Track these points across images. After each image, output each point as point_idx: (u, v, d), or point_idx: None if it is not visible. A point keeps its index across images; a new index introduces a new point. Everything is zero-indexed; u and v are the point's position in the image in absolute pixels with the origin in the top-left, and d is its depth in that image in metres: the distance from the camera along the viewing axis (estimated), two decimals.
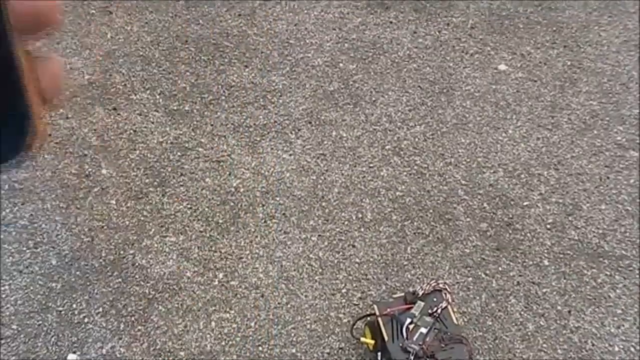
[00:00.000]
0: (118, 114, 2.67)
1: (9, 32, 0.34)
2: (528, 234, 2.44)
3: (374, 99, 2.79)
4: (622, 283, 2.34)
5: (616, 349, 2.21)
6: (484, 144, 2.67)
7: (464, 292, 2.30)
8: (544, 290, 2.32)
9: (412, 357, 1.93)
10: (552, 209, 2.51)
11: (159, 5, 3.09)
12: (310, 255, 2.36)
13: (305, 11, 3.11)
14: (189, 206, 2.45)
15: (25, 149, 0.36)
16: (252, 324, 2.22)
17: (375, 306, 2.05)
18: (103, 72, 2.81)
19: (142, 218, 2.42)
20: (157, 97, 2.74)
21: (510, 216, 2.48)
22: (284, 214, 2.45)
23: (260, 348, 2.17)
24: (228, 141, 2.62)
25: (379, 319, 2.01)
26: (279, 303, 2.26)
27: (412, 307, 2.03)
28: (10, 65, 0.34)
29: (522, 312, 2.27)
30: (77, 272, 2.29)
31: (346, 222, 2.44)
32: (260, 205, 2.46)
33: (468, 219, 2.47)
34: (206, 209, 2.45)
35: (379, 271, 2.33)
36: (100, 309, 2.22)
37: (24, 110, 0.35)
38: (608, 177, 2.60)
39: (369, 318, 2.10)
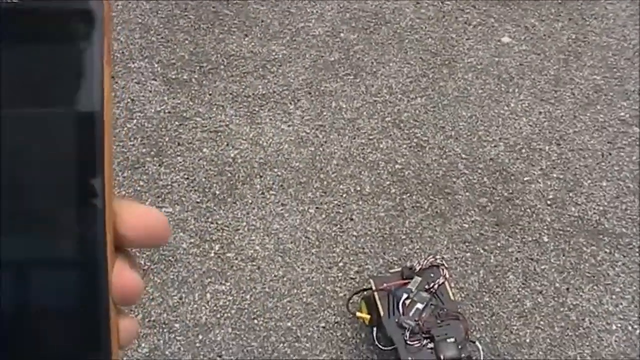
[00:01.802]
0: (116, 82, 2.64)
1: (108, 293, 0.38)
2: (528, 210, 2.42)
3: (374, 69, 2.75)
4: (622, 261, 2.33)
5: (614, 327, 2.20)
6: (485, 118, 2.64)
7: (461, 267, 2.29)
8: (543, 267, 2.30)
9: (407, 333, 1.92)
10: (553, 185, 2.48)
11: None
12: (308, 228, 2.34)
13: None
14: (185, 176, 2.43)
15: None
16: (248, 297, 2.20)
17: (371, 281, 2.04)
18: None
19: (138, 188, 2.40)
20: (155, 65, 2.70)
21: (511, 191, 2.46)
22: (281, 185, 2.43)
23: (255, 321, 2.16)
24: (226, 111, 2.59)
25: (375, 293, 2.00)
26: (275, 276, 2.24)
27: (408, 283, 2.01)
28: (104, 319, 0.38)
29: (520, 289, 2.26)
30: None
31: (344, 195, 2.42)
32: (258, 176, 2.44)
33: (467, 194, 2.44)
34: (203, 180, 2.42)
35: (377, 245, 2.31)
36: None
37: (107, 350, 0.38)
38: (610, 154, 2.57)
39: (365, 292, 2.09)
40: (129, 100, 2.60)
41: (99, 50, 0.35)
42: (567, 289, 2.26)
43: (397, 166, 2.49)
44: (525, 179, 2.49)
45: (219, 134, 2.53)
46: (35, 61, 0.35)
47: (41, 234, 0.36)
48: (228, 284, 2.22)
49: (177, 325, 2.14)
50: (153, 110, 2.58)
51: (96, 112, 0.36)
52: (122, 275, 0.38)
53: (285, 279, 2.24)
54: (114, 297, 0.38)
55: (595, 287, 2.27)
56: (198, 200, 2.38)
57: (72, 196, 0.36)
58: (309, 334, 2.15)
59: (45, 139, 0.35)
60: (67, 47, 0.35)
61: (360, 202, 2.40)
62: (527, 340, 2.16)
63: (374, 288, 2.01)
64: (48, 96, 0.35)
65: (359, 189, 2.43)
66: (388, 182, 2.45)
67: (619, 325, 2.20)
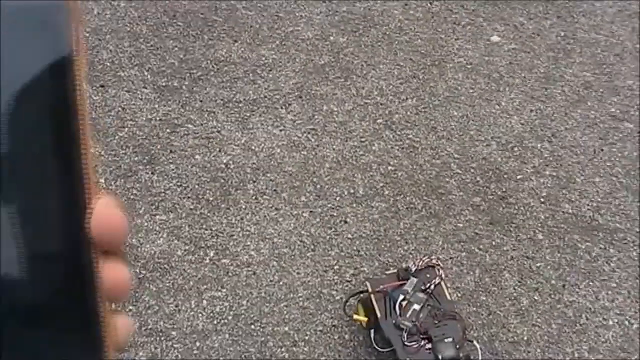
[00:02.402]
0: (106, 91, 2.63)
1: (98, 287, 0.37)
2: (522, 208, 2.42)
3: (365, 72, 2.75)
4: (617, 256, 2.33)
5: (610, 322, 2.20)
6: (476, 117, 2.65)
7: (457, 267, 2.29)
8: (538, 264, 2.30)
9: (405, 334, 1.92)
10: (546, 182, 2.49)
11: None
12: (302, 232, 2.34)
13: None
14: (178, 184, 2.42)
15: None
16: (244, 302, 2.20)
17: (367, 283, 2.04)
18: (90, 48, 2.77)
19: (131, 197, 2.39)
20: (146, 73, 2.70)
21: (504, 190, 2.46)
22: (274, 190, 2.42)
23: (252, 326, 2.16)
24: (217, 117, 2.59)
25: (372, 295, 2.00)
26: (270, 281, 2.24)
27: (405, 284, 2.01)
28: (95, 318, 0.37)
29: (516, 287, 2.26)
30: None
31: (338, 198, 2.42)
32: (251, 181, 2.44)
33: (461, 193, 2.44)
34: (196, 186, 2.42)
35: (372, 247, 2.31)
36: None
37: (101, 348, 0.37)
38: (602, 150, 2.58)
39: (361, 295, 2.09)
40: (119, 109, 2.60)
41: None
42: (563, 285, 2.27)
43: (389, 168, 2.49)
44: (518, 177, 2.50)
45: (211, 140, 2.53)
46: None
47: (24, 227, 0.35)
48: (224, 290, 2.22)
49: (174, 332, 2.14)
50: (144, 118, 2.58)
51: (69, 94, 0.36)
52: (111, 270, 0.37)
53: (281, 283, 2.24)
54: (105, 292, 0.37)
55: (591, 283, 2.28)
56: (192, 207, 2.38)
57: (53, 187, 0.36)
58: (306, 337, 2.14)
59: (22, 127, 0.35)
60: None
61: (354, 205, 2.40)
62: (525, 338, 2.16)
63: (370, 290, 2.01)
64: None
65: (352, 191, 2.43)
66: (381, 184, 2.45)
67: (616, 320, 2.21)
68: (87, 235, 0.36)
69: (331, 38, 2.85)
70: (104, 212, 0.37)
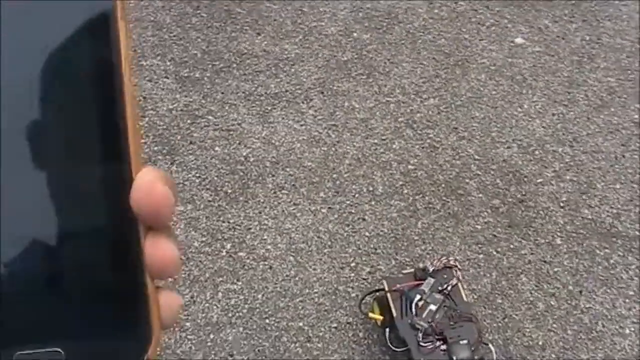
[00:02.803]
0: None
1: (141, 258, 0.36)
2: (541, 212, 2.41)
3: (387, 69, 2.74)
4: (635, 264, 2.31)
5: (627, 331, 2.19)
6: (498, 119, 2.63)
7: (474, 269, 2.28)
8: (556, 269, 2.29)
9: (420, 335, 1.91)
10: (566, 187, 2.47)
11: None
12: (320, 228, 2.33)
13: None
14: (197, 175, 2.42)
15: None
16: (260, 296, 2.20)
17: (384, 281, 2.03)
18: None
19: None
20: (168, 63, 2.70)
21: (523, 193, 2.45)
22: (293, 185, 2.42)
23: (267, 320, 2.15)
24: (238, 110, 2.59)
25: (388, 294, 1.99)
26: (286, 275, 2.24)
27: (421, 284, 2.00)
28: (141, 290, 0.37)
29: (533, 291, 2.24)
30: None
31: (357, 195, 2.41)
32: (270, 175, 2.43)
33: (480, 195, 2.43)
34: (215, 179, 2.42)
35: (389, 245, 2.31)
36: None
37: (147, 326, 0.37)
38: (624, 156, 2.56)
39: (377, 293, 2.08)
40: (141, 98, 2.60)
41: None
42: (580, 291, 2.25)
43: (409, 167, 2.48)
44: (538, 180, 2.48)
45: (231, 132, 2.53)
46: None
47: (66, 204, 0.35)
48: (240, 283, 2.22)
49: (188, 324, 2.14)
50: (165, 108, 2.58)
51: (117, 76, 0.36)
52: (156, 246, 0.36)
53: (297, 278, 2.23)
54: (149, 269, 0.36)
55: (608, 290, 2.26)
56: (210, 199, 2.38)
57: (96, 162, 0.35)
58: (320, 334, 2.14)
59: (67, 106, 0.35)
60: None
61: (373, 203, 2.39)
62: (540, 343, 2.15)
63: (386, 289, 2.00)
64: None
65: (371, 189, 2.42)
66: (401, 183, 2.44)
67: (633, 329, 2.19)
68: (130, 210, 0.35)
69: (354, 34, 2.84)
70: (146, 186, 0.36)
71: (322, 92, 2.65)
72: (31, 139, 0.34)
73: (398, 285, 2.00)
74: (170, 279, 0.38)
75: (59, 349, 0.35)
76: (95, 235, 0.36)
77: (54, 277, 0.35)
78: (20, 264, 0.34)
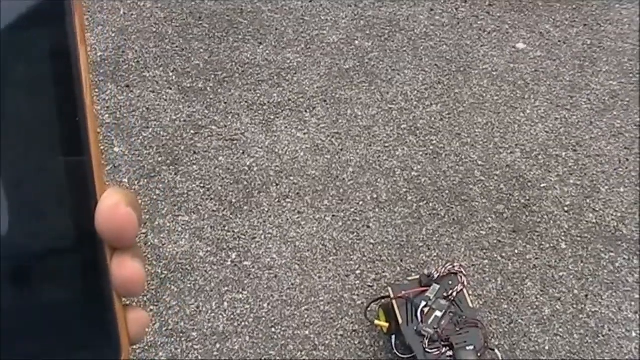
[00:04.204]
0: (131, 91, 2.65)
1: (107, 270, 0.37)
2: (545, 216, 2.41)
3: (389, 77, 2.75)
4: None
5: (633, 334, 2.18)
6: (501, 124, 2.64)
7: (479, 274, 2.27)
8: (561, 273, 2.29)
9: (426, 341, 1.91)
10: (570, 191, 2.47)
11: None
12: (324, 236, 2.33)
13: None
14: (202, 185, 2.43)
15: None
16: (265, 305, 2.20)
17: (389, 288, 2.03)
18: (116, 48, 2.78)
19: (154, 197, 2.40)
20: (170, 74, 2.71)
21: (527, 198, 2.45)
22: (297, 193, 2.42)
23: (273, 329, 2.15)
24: (242, 119, 2.60)
25: (394, 301, 1.99)
26: (292, 284, 2.24)
27: (427, 290, 2.00)
28: (108, 303, 0.37)
29: (539, 296, 2.24)
30: None
31: (361, 202, 2.41)
32: (274, 184, 2.44)
33: (484, 201, 2.43)
34: (219, 188, 2.42)
35: (394, 252, 2.31)
36: None
37: (115, 341, 0.38)
38: (627, 159, 2.56)
39: (383, 300, 2.08)
40: (144, 109, 2.60)
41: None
42: (586, 295, 2.25)
43: (413, 173, 2.48)
44: (542, 185, 2.48)
45: (235, 142, 2.53)
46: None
47: (32, 223, 0.35)
48: (245, 292, 2.22)
49: (194, 334, 2.14)
50: (168, 119, 2.59)
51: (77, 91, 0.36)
52: (122, 265, 0.37)
53: (302, 287, 2.23)
54: (116, 288, 0.37)
55: (614, 294, 2.26)
56: (214, 208, 2.38)
57: (60, 183, 0.36)
58: (327, 342, 2.14)
59: (27, 121, 0.35)
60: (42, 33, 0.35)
61: (377, 210, 2.39)
62: (546, 348, 2.15)
63: (392, 296, 2.00)
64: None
65: (375, 196, 2.42)
66: (404, 190, 2.44)
67: (639, 332, 2.19)
68: (94, 231, 0.36)
69: (356, 42, 2.85)
70: (109, 208, 0.36)
71: (325, 101, 2.66)
72: None
73: (403, 292, 2.00)
74: (135, 298, 0.38)
75: None
76: (62, 255, 0.36)
77: (20, 296, 0.35)
78: None
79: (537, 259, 2.32)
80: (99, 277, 0.36)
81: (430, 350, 1.91)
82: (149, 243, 2.30)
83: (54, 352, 0.36)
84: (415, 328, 1.94)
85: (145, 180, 2.43)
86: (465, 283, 2.03)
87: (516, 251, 2.33)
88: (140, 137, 2.53)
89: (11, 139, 0.34)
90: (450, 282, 2.03)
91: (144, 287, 0.39)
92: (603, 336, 2.18)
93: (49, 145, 0.35)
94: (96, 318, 0.37)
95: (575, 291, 2.26)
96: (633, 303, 2.24)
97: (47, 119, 0.35)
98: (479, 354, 1.90)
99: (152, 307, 2.18)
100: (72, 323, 0.37)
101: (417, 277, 2.06)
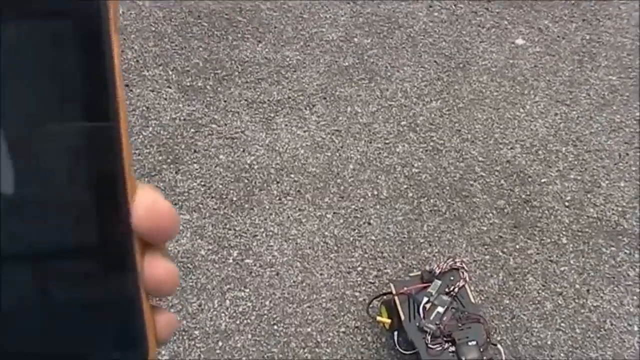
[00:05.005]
0: (130, 91, 2.65)
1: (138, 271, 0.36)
2: (546, 212, 2.41)
3: (389, 74, 2.75)
4: None
5: (635, 328, 2.18)
6: (501, 120, 2.64)
7: (481, 270, 2.28)
8: (562, 268, 2.29)
9: (428, 337, 1.91)
10: (571, 186, 2.47)
11: None
12: (326, 233, 2.34)
13: None
14: (202, 183, 2.43)
15: None
16: (267, 303, 2.20)
17: (391, 285, 2.03)
18: None
19: None
20: (170, 73, 2.71)
21: (528, 193, 2.45)
22: (298, 191, 2.42)
23: (275, 327, 2.16)
24: (242, 117, 2.60)
25: (396, 297, 1.99)
26: (294, 281, 2.24)
27: (429, 286, 2.01)
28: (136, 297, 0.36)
29: (540, 291, 2.24)
30: None
31: (361, 199, 2.41)
32: (275, 182, 2.44)
33: (485, 196, 2.44)
34: (220, 186, 2.42)
35: (395, 249, 2.31)
36: None
37: (143, 343, 0.37)
38: (627, 154, 2.56)
39: (385, 297, 2.08)
40: (144, 108, 2.61)
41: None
42: (588, 290, 2.25)
43: (414, 170, 2.48)
44: (543, 180, 2.48)
45: (235, 140, 2.54)
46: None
47: (62, 224, 0.34)
48: (247, 290, 2.22)
49: (196, 332, 2.14)
50: (168, 118, 2.59)
51: (109, 86, 0.35)
52: (154, 265, 0.36)
53: (304, 284, 2.24)
54: (147, 287, 0.36)
55: (615, 288, 2.26)
56: (215, 207, 2.38)
57: (91, 182, 0.35)
58: (329, 339, 2.14)
59: (58, 126, 0.34)
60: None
61: (378, 207, 2.40)
62: (549, 343, 2.15)
63: (394, 292, 2.00)
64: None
65: (376, 193, 2.43)
66: (405, 186, 2.44)
67: None
68: (129, 227, 0.35)
69: (355, 39, 2.85)
70: (149, 203, 0.35)
71: (325, 98, 2.66)
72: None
73: (405, 288, 2.00)
74: (166, 297, 0.38)
75: None
76: (90, 253, 0.35)
77: (48, 295, 0.35)
78: (12, 280, 0.34)
79: (538, 254, 2.32)
80: (128, 274, 0.36)
81: (432, 346, 1.91)
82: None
83: (82, 351, 0.36)
84: (417, 324, 1.94)
85: (146, 179, 2.43)
86: (467, 279, 2.03)
87: (517, 246, 2.33)
88: (141, 136, 2.53)
89: (24, 100, 0.33)
90: (452, 278, 2.03)
91: (177, 287, 0.38)
92: (605, 330, 2.18)
93: (71, 110, 0.34)
94: (124, 318, 0.36)
95: (577, 286, 2.26)
96: (635, 297, 2.24)
97: (71, 79, 0.34)
98: (481, 349, 1.90)
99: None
100: (101, 323, 0.36)
101: (419, 273, 2.06)
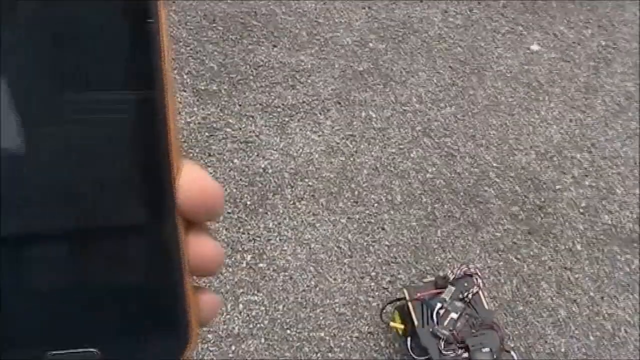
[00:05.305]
0: None
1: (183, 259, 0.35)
2: (560, 218, 2.40)
3: (404, 79, 2.75)
4: None
5: None
6: (515, 126, 2.63)
7: (494, 276, 2.27)
8: (577, 275, 2.28)
9: (442, 343, 1.91)
10: (585, 193, 2.46)
11: None
12: (339, 238, 2.34)
13: None
14: None
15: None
16: (280, 307, 2.20)
17: (405, 290, 2.03)
18: None
19: None
20: (185, 76, 2.72)
21: (542, 199, 2.44)
22: (312, 195, 2.42)
23: (288, 331, 2.16)
24: (256, 121, 2.60)
25: (409, 303, 1.99)
26: (307, 286, 2.24)
27: (442, 292, 2.00)
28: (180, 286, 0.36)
29: (554, 298, 2.24)
30: None
31: (375, 204, 2.41)
32: (289, 186, 2.44)
33: (499, 202, 2.43)
34: (234, 190, 2.43)
35: (409, 254, 2.31)
36: None
37: (185, 324, 0.36)
38: None
39: (398, 302, 2.08)
40: None
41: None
42: (602, 297, 2.24)
43: (428, 175, 2.48)
44: (557, 187, 2.48)
45: (249, 144, 2.54)
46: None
47: (103, 201, 0.34)
48: (260, 294, 2.22)
49: (210, 336, 2.15)
50: (183, 122, 2.59)
51: (155, 68, 0.34)
52: (200, 244, 0.35)
53: (317, 289, 2.24)
54: (192, 267, 0.35)
55: (630, 296, 2.25)
56: (229, 210, 2.38)
57: (134, 156, 0.34)
58: (342, 344, 2.14)
59: (102, 106, 0.33)
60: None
61: (392, 212, 2.39)
62: (562, 350, 2.15)
63: (407, 298, 2.00)
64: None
65: (390, 198, 2.42)
66: (419, 192, 2.44)
67: None
68: (173, 204, 0.34)
69: (370, 44, 2.85)
70: (198, 180, 0.34)
71: (339, 103, 2.66)
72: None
73: (419, 294, 2.00)
74: (209, 277, 0.37)
75: (95, 349, 0.34)
76: (133, 233, 0.35)
77: (90, 275, 0.34)
78: (55, 261, 0.34)
79: (552, 260, 2.31)
80: (171, 255, 0.35)
81: (445, 352, 1.91)
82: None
83: (124, 333, 0.35)
84: (430, 330, 1.94)
85: None
86: (481, 285, 2.03)
87: (531, 253, 2.32)
88: None
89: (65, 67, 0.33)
90: (466, 284, 2.02)
91: (221, 267, 0.37)
92: (619, 338, 2.17)
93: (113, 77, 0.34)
94: (166, 301, 0.36)
95: (591, 293, 2.25)
96: None
97: (118, 46, 0.34)
98: (494, 356, 1.90)
99: None
100: (143, 305, 0.35)
101: (433, 279, 2.06)
